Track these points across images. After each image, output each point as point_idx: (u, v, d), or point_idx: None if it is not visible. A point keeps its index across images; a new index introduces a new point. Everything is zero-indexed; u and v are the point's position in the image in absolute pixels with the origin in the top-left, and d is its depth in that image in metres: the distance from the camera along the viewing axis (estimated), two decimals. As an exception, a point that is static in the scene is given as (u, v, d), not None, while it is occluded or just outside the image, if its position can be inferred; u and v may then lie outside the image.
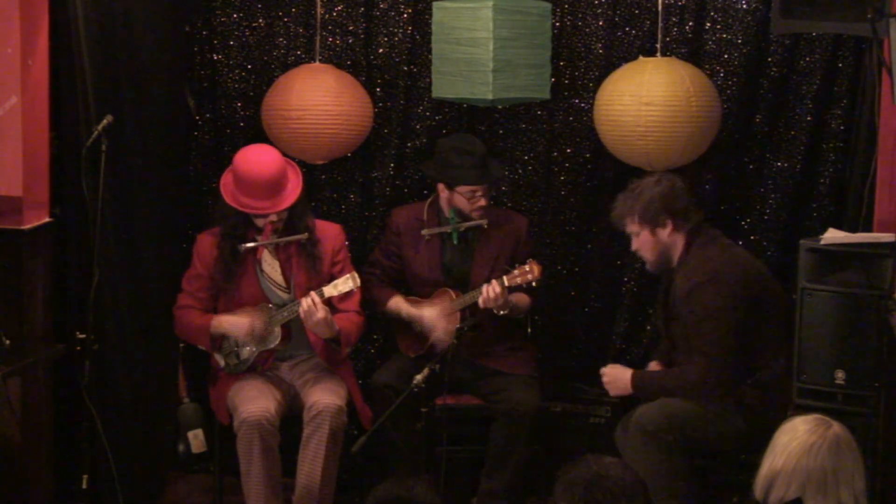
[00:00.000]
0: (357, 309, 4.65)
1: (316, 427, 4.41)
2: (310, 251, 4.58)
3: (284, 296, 4.60)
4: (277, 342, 4.57)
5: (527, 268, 4.58)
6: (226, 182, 4.56)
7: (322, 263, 4.59)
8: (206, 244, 4.64)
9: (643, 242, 4.36)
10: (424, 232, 4.78)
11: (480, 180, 4.72)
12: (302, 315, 4.44)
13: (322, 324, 4.45)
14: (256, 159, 4.52)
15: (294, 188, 4.53)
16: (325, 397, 4.44)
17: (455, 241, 4.79)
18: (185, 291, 4.66)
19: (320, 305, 4.43)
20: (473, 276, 4.76)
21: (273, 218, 4.51)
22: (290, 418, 4.59)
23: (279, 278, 4.61)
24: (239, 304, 4.60)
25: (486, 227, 4.75)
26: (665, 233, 4.32)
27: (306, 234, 4.57)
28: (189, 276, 4.67)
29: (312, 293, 4.44)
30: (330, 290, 4.47)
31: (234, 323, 4.54)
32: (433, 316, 4.68)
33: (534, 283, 4.61)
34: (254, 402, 4.43)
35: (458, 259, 4.81)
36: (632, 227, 4.36)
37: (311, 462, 4.42)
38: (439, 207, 4.85)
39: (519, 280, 4.58)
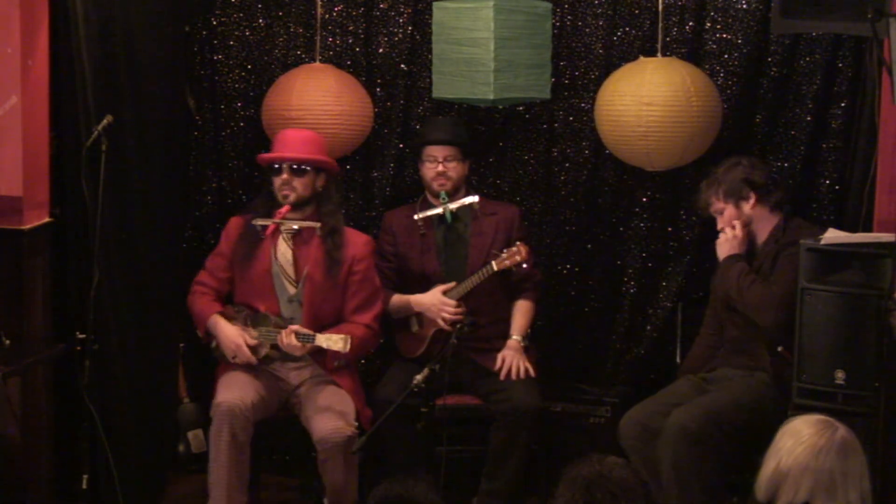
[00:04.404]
0: (369, 322, 4.62)
1: (328, 456, 4.42)
2: (331, 252, 4.56)
3: (291, 289, 4.59)
4: (266, 350, 4.57)
5: (514, 249, 4.61)
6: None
7: (340, 268, 4.57)
8: (234, 224, 4.71)
9: (728, 218, 4.50)
10: (417, 216, 4.78)
11: (439, 139, 4.80)
12: (283, 348, 4.49)
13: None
14: (297, 128, 4.72)
15: (320, 156, 4.61)
16: (333, 426, 4.41)
17: (448, 220, 4.79)
18: (206, 268, 4.72)
19: (297, 348, 4.45)
20: (470, 264, 4.78)
21: (285, 176, 4.53)
22: (290, 419, 4.59)
23: (290, 269, 4.60)
24: (250, 286, 4.61)
25: (477, 207, 4.76)
26: (748, 206, 4.48)
27: (318, 223, 4.55)
28: (213, 254, 4.75)
29: (293, 335, 4.43)
30: (321, 340, 4.42)
31: (225, 339, 4.55)
32: (434, 294, 4.72)
33: (524, 265, 4.62)
34: (231, 390, 4.44)
35: (453, 249, 4.81)
36: (717, 206, 4.53)
37: (332, 475, 4.43)
38: (429, 201, 4.87)
39: (508, 263, 4.60)
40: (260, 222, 4.56)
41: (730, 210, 4.49)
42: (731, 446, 4.27)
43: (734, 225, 4.48)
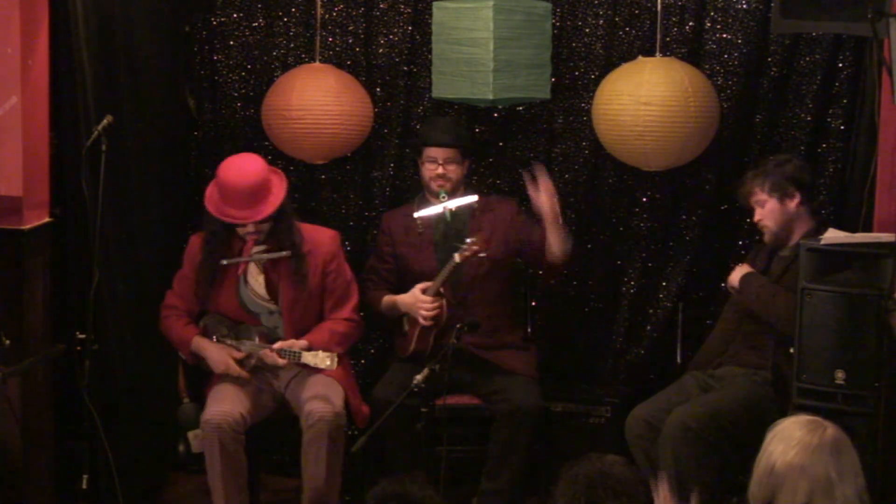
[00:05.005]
0: (348, 315, 4.62)
1: (314, 435, 4.40)
2: (299, 266, 4.52)
3: (271, 306, 4.58)
4: (255, 361, 4.54)
5: (472, 240, 4.57)
6: (210, 192, 4.51)
7: (310, 278, 4.54)
8: (195, 246, 4.62)
9: (769, 212, 4.46)
10: (416, 214, 4.79)
11: (440, 140, 4.77)
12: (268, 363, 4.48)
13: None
14: (238, 167, 4.46)
15: (276, 199, 4.46)
16: (321, 405, 4.41)
17: (448, 219, 4.80)
18: (174, 290, 4.65)
19: (283, 364, 4.43)
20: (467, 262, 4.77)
21: (250, 229, 4.45)
22: (287, 419, 4.59)
23: (263, 292, 4.57)
24: (223, 310, 4.58)
25: (476, 205, 4.76)
26: (792, 204, 4.44)
27: (289, 252, 4.49)
28: (178, 276, 4.66)
29: (275, 354, 4.41)
30: (308, 358, 4.39)
31: (212, 361, 4.52)
32: (413, 293, 4.73)
33: (482, 254, 4.61)
34: (220, 403, 4.43)
35: (450, 247, 4.81)
36: (759, 197, 4.47)
37: (314, 466, 4.42)
38: (427, 199, 4.87)
39: (467, 253, 4.58)
40: (228, 262, 4.49)
41: (772, 204, 4.45)
42: (731, 446, 4.27)
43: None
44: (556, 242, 4.67)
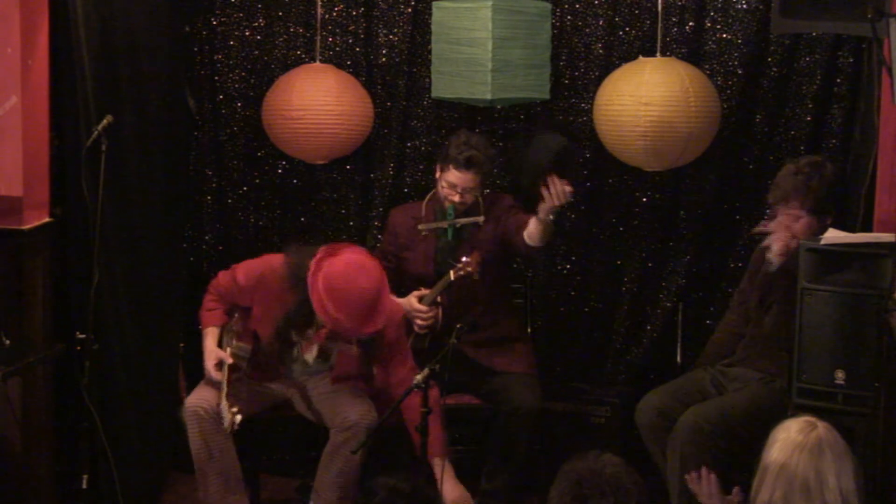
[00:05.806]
0: (407, 376, 4.41)
1: (344, 440, 4.37)
2: (365, 354, 4.45)
3: (308, 361, 4.54)
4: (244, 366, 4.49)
5: (467, 260, 4.60)
6: (316, 288, 4.17)
7: (378, 356, 4.47)
8: (267, 270, 4.41)
9: (805, 225, 4.22)
10: (421, 227, 4.79)
11: (463, 169, 4.67)
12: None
13: None
14: (359, 282, 4.22)
15: (383, 316, 4.28)
16: (355, 413, 4.38)
17: (449, 237, 4.79)
18: (223, 280, 4.54)
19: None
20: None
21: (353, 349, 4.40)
22: (289, 419, 4.59)
23: (311, 361, 4.54)
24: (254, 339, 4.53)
25: (481, 224, 4.75)
26: (828, 221, 4.22)
27: (357, 349, 4.40)
28: (232, 278, 4.50)
29: (235, 419, 4.31)
30: (224, 410, 4.31)
31: (206, 355, 4.47)
32: (408, 301, 4.73)
33: (475, 276, 4.61)
34: (200, 392, 4.42)
35: (450, 254, 4.80)
36: (795, 211, 4.23)
37: (340, 469, 4.39)
38: (436, 204, 4.86)
39: (461, 273, 4.61)
40: (297, 339, 4.42)
41: (809, 221, 4.23)
42: (741, 450, 4.26)
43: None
44: (537, 233, 4.55)
